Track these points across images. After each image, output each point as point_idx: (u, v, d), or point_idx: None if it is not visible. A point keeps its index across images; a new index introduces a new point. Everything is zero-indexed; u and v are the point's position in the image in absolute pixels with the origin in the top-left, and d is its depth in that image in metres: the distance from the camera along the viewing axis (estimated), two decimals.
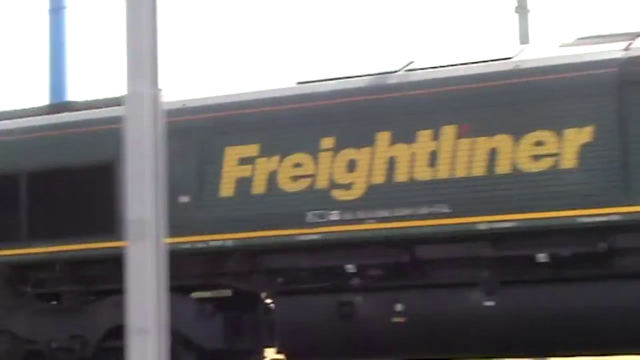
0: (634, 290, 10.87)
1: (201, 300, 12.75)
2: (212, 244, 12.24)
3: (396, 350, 11.94)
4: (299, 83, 12.41)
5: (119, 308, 12.55)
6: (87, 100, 13.75)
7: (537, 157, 10.96)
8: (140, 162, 5.43)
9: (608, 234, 10.80)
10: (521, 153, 11.00)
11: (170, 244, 11.83)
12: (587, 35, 11.88)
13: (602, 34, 11.94)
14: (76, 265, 13.04)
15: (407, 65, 12.10)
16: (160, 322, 5.43)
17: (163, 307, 5.37)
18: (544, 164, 10.93)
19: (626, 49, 11.01)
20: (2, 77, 47.11)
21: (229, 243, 12.15)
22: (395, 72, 11.96)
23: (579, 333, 11.04)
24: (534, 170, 10.95)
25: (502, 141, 11.07)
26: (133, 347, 5.53)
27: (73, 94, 22.78)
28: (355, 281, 11.82)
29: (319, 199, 11.74)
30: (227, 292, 12.79)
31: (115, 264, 12.45)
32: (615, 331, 10.94)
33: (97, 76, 49.48)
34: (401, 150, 11.45)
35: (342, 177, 11.67)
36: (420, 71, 11.81)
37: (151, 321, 5.66)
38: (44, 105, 15.51)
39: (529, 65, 11.27)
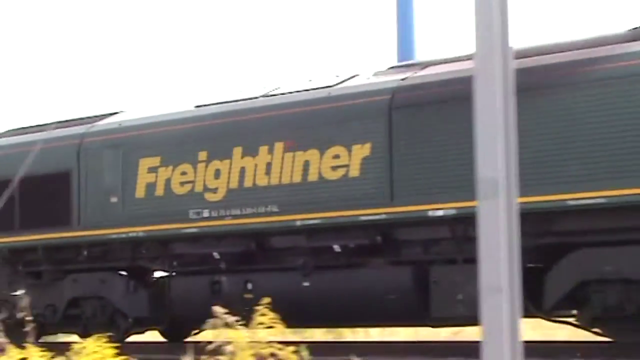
0: (405, 273, 13.43)
1: (130, 278, 16.28)
2: (131, 234, 15.80)
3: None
4: (196, 106, 15.78)
5: (77, 283, 16.47)
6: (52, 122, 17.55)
7: (334, 168, 13.77)
8: (491, 119, 5.11)
9: (382, 229, 13.46)
10: (324, 164, 13.85)
11: (103, 234, 15.57)
12: (397, 64, 14.51)
13: (413, 62, 14.57)
14: (51, 249, 16.94)
15: (270, 91, 15.18)
16: (513, 280, 4.99)
17: (515, 265, 4.97)
18: (339, 174, 13.72)
19: (403, 79, 13.63)
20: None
21: (141, 234, 15.67)
22: (256, 97, 15.09)
23: (365, 308, 13.72)
24: (333, 178, 13.77)
25: (312, 155, 13.96)
26: (487, 306, 5.11)
27: (422, 52, 23.71)
28: (222, 265, 15.01)
29: (197, 200, 15.04)
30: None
31: (73, 249, 16.35)
32: (394, 307, 13.52)
33: (445, 31, 53.17)
34: (248, 162, 14.57)
35: (211, 183, 14.93)
36: (267, 97, 14.90)
37: (504, 279, 5.11)
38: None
39: (335, 93, 14.12)
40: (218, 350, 8.33)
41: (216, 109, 15.34)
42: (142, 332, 17.18)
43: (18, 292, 17.18)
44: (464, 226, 12.66)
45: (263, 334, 8.59)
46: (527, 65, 12.42)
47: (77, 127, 17.01)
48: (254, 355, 8.20)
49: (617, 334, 12.19)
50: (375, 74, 14.44)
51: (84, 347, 8.35)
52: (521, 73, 11.67)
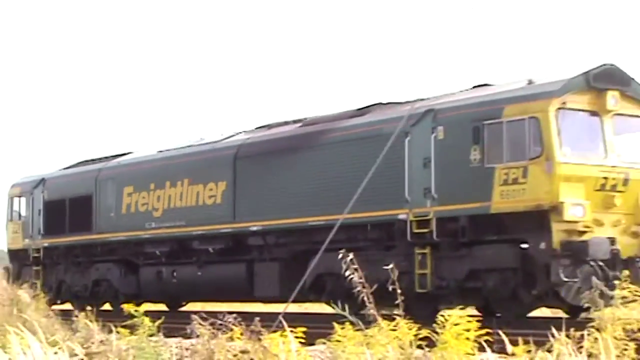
0: (242, 267, 20.25)
1: (124, 267, 24.04)
2: (119, 238, 23.63)
3: (176, 297, 22.64)
4: (158, 151, 23.39)
5: (97, 270, 24.46)
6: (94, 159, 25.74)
7: (210, 197, 20.94)
8: None
9: (231, 237, 20.50)
10: (205, 194, 21.05)
11: (106, 238, 23.60)
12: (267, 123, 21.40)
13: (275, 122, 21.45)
14: (84, 246, 25.06)
15: (190, 143, 22.60)
16: None
17: None
18: (211, 201, 20.88)
19: (247, 138, 20.60)
20: None
21: (122, 238, 23.49)
22: (181, 147, 22.54)
23: (229, 288, 20.65)
24: (209, 203, 20.93)
25: (199, 188, 21.19)
26: None
27: None
28: (163, 259, 22.51)
29: (148, 216, 22.64)
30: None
31: (94, 247, 24.36)
32: (239, 288, 20.35)
33: None
34: (172, 191, 22.01)
35: (155, 205, 22.49)
36: (183, 148, 22.34)
37: None
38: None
39: (214, 146, 21.31)
40: None
41: (161, 154, 22.95)
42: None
43: (69, 275, 25.38)
44: (270, 236, 19.58)
45: None
46: (301, 132, 19.19)
47: (99, 164, 25.13)
48: None
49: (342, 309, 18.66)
50: (245, 132, 21.48)
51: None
52: (293, 138, 18.93)
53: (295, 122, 20.34)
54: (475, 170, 15.90)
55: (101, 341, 11.51)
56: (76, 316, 13.59)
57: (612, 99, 15.78)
